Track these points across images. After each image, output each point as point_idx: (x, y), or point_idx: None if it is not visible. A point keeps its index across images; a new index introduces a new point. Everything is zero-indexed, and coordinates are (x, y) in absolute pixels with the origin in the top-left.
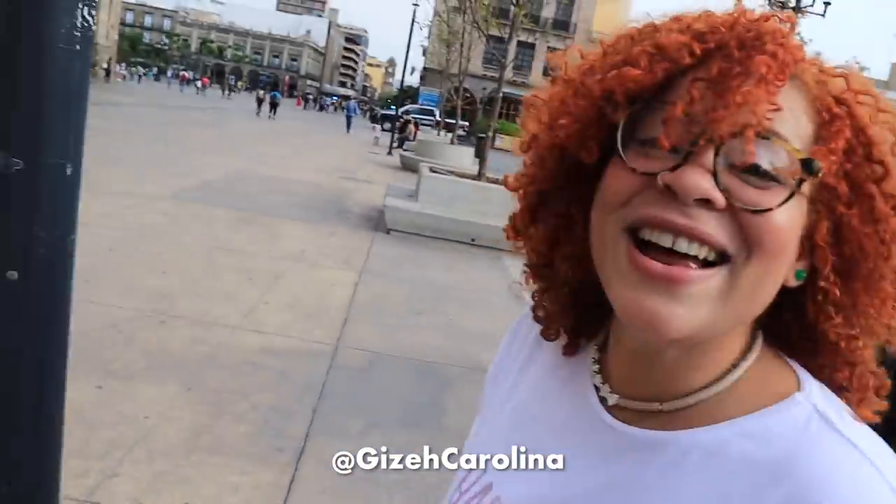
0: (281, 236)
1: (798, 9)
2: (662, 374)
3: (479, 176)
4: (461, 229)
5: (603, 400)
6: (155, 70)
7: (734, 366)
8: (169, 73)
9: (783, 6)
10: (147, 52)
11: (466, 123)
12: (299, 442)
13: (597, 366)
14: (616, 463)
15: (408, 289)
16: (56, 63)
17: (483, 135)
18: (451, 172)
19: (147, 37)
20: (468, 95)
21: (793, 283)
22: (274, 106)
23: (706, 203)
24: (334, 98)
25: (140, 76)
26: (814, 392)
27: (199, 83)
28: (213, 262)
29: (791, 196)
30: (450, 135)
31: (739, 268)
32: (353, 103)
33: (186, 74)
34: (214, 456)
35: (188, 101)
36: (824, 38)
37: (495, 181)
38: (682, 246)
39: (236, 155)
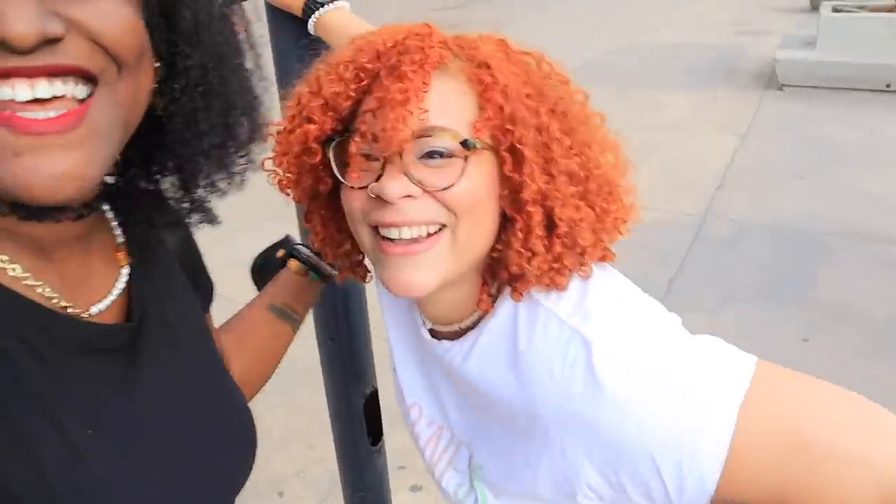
0: (659, 107)
1: None
2: (444, 311)
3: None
4: (870, 75)
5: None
6: None
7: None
8: None
9: None
10: None
11: None
12: None
13: (416, 303)
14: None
15: (794, 151)
16: None
17: None
18: (862, 7)
19: None
20: None
21: (512, 211)
22: None
23: (409, 197)
24: None
25: None
26: (505, 300)
27: None
28: None
29: (463, 171)
30: None
31: (454, 228)
32: None
33: None
34: None
35: None
36: None
37: None
38: (406, 233)
39: (618, 26)
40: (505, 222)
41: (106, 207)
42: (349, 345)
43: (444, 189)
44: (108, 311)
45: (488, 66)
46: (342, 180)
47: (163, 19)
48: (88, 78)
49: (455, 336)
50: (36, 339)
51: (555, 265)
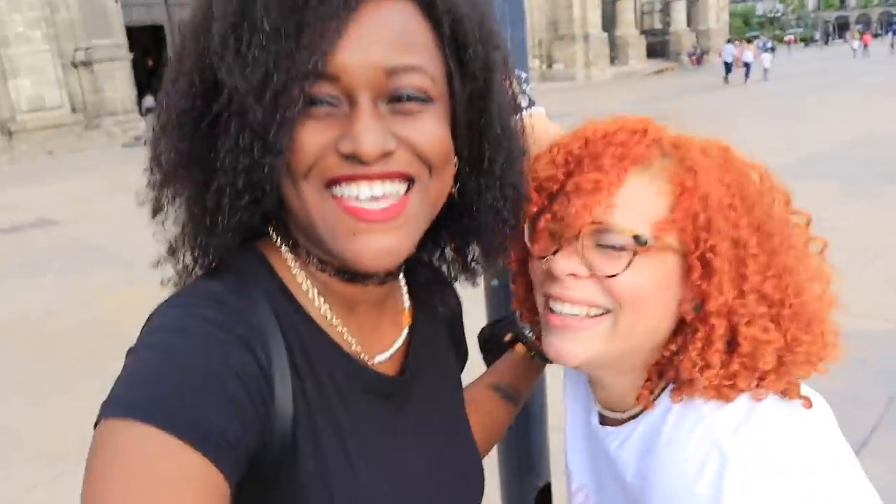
0: (888, 205)
1: None
2: (614, 397)
3: None
4: None
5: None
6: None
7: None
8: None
9: None
10: (761, 24)
11: None
12: (864, 434)
13: (590, 386)
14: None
15: None
16: None
17: None
18: None
19: (760, 8)
20: None
21: (691, 315)
22: None
23: (574, 276)
24: None
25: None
26: (664, 398)
27: (854, 43)
28: None
29: (629, 264)
30: None
31: (617, 316)
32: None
33: (792, 38)
34: None
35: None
36: None
37: None
38: (567, 309)
39: (851, 117)
40: (685, 327)
41: (401, 278)
42: (525, 436)
43: (608, 276)
44: (387, 362)
45: (693, 171)
46: (529, 249)
47: (466, 128)
48: (408, 178)
49: (618, 424)
50: (339, 377)
51: (727, 382)
